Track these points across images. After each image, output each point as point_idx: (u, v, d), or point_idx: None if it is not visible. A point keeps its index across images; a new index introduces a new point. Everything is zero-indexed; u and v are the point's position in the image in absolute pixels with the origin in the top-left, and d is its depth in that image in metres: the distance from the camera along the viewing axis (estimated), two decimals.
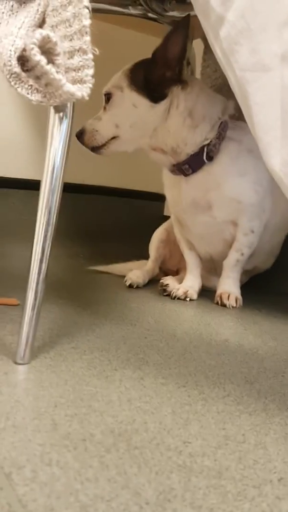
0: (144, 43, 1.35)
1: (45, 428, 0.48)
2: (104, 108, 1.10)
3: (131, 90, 1.05)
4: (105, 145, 1.11)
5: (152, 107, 1.04)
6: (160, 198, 1.76)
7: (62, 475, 0.40)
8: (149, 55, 1.06)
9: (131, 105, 1.05)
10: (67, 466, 0.41)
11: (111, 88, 1.08)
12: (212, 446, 0.47)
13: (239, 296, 1.15)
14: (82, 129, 1.11)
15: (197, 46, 1.34)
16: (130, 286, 1.22)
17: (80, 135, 1.10)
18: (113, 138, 1.10)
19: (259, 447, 0.48)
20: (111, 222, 1.85)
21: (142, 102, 1.04)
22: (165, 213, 1.84)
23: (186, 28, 0.97)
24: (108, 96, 1.08)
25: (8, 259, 1.47)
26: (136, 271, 1.27)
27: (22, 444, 0.44)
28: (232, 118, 1.11)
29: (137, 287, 1.23)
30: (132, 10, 1.18)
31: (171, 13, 1.17)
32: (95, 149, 1.12)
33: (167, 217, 1.38)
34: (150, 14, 1.19)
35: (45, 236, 0.64)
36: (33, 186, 1.63)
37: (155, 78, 1.03)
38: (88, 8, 0.58)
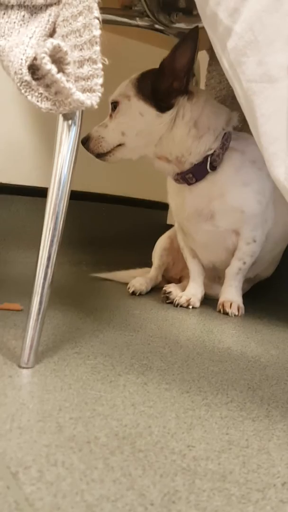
0: (150, 54, 1.37)
1: (50, 430, 0.48)
2: (110, 115, 1.11)
3: (139, 99, 1.06)
4: (111, 152, 1.12)
5: (158, 116, 1.06)
6: (163, 207, 1.77)
7: (67, 475, 0.40)
8: (155, 66, 1.07)
9: (138, 113, 1.07)
10: (73, 467, 0.42)
11: (118, 97, 1.09)
12: (215, 450, 0.48)
13: (241, 305, 1.16)
14: (87, 135, 1.12)
15: (202, 57, 1.36)
16: (133, 293, 1.23)
17: (86, 142, 1.12)
18: (119, 145, 1.11)
19: (262, 452, 0.48)
20: (114, 230, 1.86)
21: (149, 111, 1.06)
22: (169, 222, 1.85)
23: (195, 40, 0.99)
24: (115, 104, 1.10)
25: (11, 265, 1.48)
26: (139, 279, 1.28)
27: (28, 445, 0.44)
28: (236, 129, 1.12)
29: (140, 294, 1.24)
30: (139, 22, 1.20)
31: (177, 25, 1.18)
32: (101, 155, 1.13)
33: (171, 226, 1.40)
34: (157, 26, 1.21)
35: (52, 242, 0.65)
36: (37, 193, 1.65)
37: (162, 88, 1.05)
38: (98, 18, 0.59)
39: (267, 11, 0.60)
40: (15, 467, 0.41)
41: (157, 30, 1.24)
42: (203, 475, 0.43)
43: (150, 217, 1.92)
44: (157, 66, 1.07)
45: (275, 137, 0.60)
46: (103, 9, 0.59)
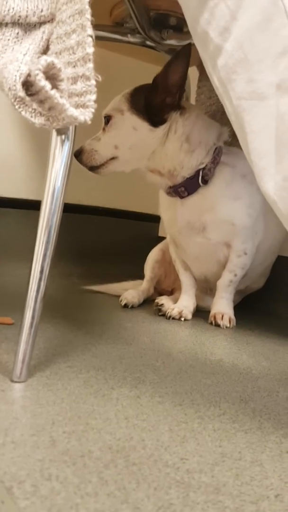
0: (141, 70, 1.39)
1: (44, 444, 0.48)
2: (103, 129, 1.13)
3: (132, 114, 1.08)
4: (104, 165, 1.13)
5: (151, 130, 1.07)
6: (155, 219, 1.78)
7: (62, 489, 0.40)
8: (147, 82, 1.09)
9: (132, 128, 1.08)
10: (67, 481, 0.42)
11: (112, 111, 1.11)
12: (209, 463, 0.48)
13: (233, 317, 1.17)
14: (80, 148, 1.13)
15: (192, 73, 1.38)
16: (125, 306, 1.23)
17: (79, 155, 1.13)
18: (112, 158, 1.12)
19: (255, 464, 0.49)
20: (106, 242, 1.86)
21: (142, 125, 1.07)
22: (160, 234, 1.86)
23: (187, 56, 1.01)
24: (108, 118, 1.11)
25: (2, 278, 1.48)
26: (131, 291, 1.28)
27: (21, 459, 0.44)
28: (226, 143, 1.14)
29: (132, 307, 1.24)
30: (131, 38, 1.22)
31: (168, 42, 1.20)
32: (94, 168, 1.14)
33: (162, 238, 1.40)
34: (148, 43, 1.23)
35: (45, 255, 0.65)
36: (29, 205, 1.65)
37: (156, 103, 1.06)
38: (91, 36, 0.61)
39: (256, 30, 0.61)
40: (9, 481, 0.40)
41: (148, 46, 1.26)
42: (197, 488, 0.43)
43: (141, 229, 1.93)
44: (148, 81, 1.08)
45: (264, 152, 0.62)
46: (95, 26, 0.60)
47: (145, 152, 1.10)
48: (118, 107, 1.10)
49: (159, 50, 1.29)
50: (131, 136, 1.09)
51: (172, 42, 1.21)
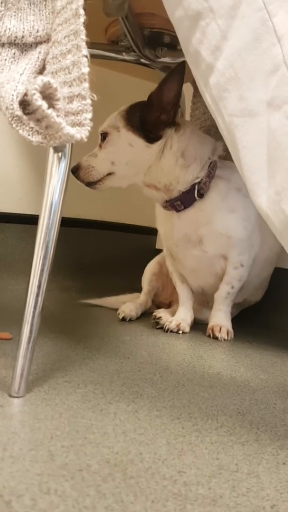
0: (136, 87, 1.41)
1: (42, 458, 0.48)
2: (100, 146, 1.14)
3: (128, 130, 1.10)
4: (101, 181, 1.15)
5: (147, 147, 1.09)
6: (152, 232, 1.79)
7: (60, 503, 0.40)
8: (141, 98, 1.11)
9: (128, 144, 1.10)
10: (65, 495, 0.42)
11: (108, 128, 1.12)
12: (206, 475, 0.48)
13: (231, 329, 1.17)
14: (77, 164, 1.15)
15: (186, 89, 1.41)
16: (123, 319, 1.23)
17: (76, 171, 1.14)
18: (109, 174, 1.14)
19: (252, 475, 0.49)
20: (103, 256, 1.87)
21: (138, 142, 1.09)
22: (157, 247, 1.88)
23: (182, 74, 1.03)
24: (104, 135, 1.13)
25: (0, 293, 1.48)
26: (129, 304, 1.28)
27: (20, 473, 0.45)
28: (220, 157, 1.16)
29: (130, 320, 1.24)
30: (125, 56, 1.24)
31: (162, 59, 1.23)
32: (91, 184, 1.16)
33: (159, 251, 1.41)
34: (143, 60, 1.25)
35: (42, 270, 0.66)
36: (26, 220, 1.66)
37: (151, 120, 1.08)
38: (86, 56, 0.62)
39: (247, 49, 0.63)
40: (8, 495, 0.41)
41: (143, 64, 1.28)
42: (194, 500, 0.43)
43: (139, 242, 1.94)
44: (143, 98, 1.10)
45: (256, 167, 0.63)
46: (90, 44, 0.62)
47: (141, 168, 1.12)
48: (114, 124, 1.12)
49: (153, 67, 1.31)
50: (128, 152, 1.10)
51: (166, 59, 1.23)
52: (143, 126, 1.09)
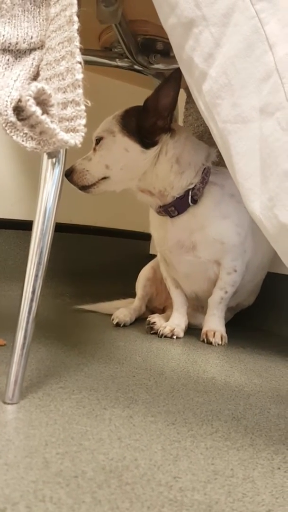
0: (130, 92, 1.42)
1: (37, 465, 0.48)
2: (94, 149, 1.14)
3: (123, 135, 1.10)
4: (95, 185, 1.15)
5: (143, 152, 1.09)
6: (146, 237, 1.80)
7: (56, 510, 0.40)
8: (135, 104, 1.11)
9: (123, 149, 1.10)
10: (60, 502, 0.42)
11: (103, 133, 1.12)
12: (201, 481, 0.48)
13: (224, 334, 1.18)
14: (71, 168, 1.14)
15: (180, 95, 1.41)
16: (117, 324, 1.23)
17: (69, 174, 1.14)
18: (103, 178, 1.14)
19: (247, 481, 0.49)
20: (97, 261, 1.87)
21: (134, 147, 1.09)
22: (151, 252, 1.88)
23: (178, 80, 1.03)
24: (99, 139, 1.13)
25: None
26: (123, 310, 1.28)
27: (15, 481, 0.44)
28: (214, 163, 1.16)
29: (124, 325, 1.24)
30: (119, 63, 1.25)
31: (156, 66, 1.23)
32: (85, 188, 1.16)
33: (153, 256, 1.42)
34: (136, 67, 1.26)
35: (36, 276, 0.66)
36: (19, 226, 1.65)
37: (147, 126, 1.09)
38: (80, 63, 0.62)
39: (240, 57, 0.64)
40: (3, 503, 0.40)
41: (136, 70, 1.29)
42: (190, 506, 0.43)
43: (132, 247, 1.94)
44: (136, 104, 1.11)
45: (250, 173, 0.64)
46: (84, 51, 0.62)
47: (136, 173, 1.12)
48: (109, 129, 1.12)
49: (146, 74, 1.32)
50: (123, 157, 1.10)
51: (160, 66, 1.24)
52: (139, 131, 1.09)
